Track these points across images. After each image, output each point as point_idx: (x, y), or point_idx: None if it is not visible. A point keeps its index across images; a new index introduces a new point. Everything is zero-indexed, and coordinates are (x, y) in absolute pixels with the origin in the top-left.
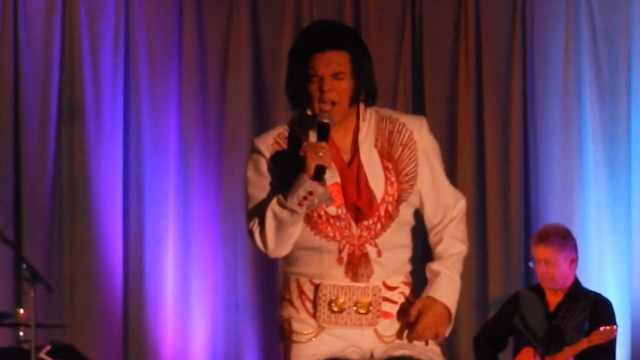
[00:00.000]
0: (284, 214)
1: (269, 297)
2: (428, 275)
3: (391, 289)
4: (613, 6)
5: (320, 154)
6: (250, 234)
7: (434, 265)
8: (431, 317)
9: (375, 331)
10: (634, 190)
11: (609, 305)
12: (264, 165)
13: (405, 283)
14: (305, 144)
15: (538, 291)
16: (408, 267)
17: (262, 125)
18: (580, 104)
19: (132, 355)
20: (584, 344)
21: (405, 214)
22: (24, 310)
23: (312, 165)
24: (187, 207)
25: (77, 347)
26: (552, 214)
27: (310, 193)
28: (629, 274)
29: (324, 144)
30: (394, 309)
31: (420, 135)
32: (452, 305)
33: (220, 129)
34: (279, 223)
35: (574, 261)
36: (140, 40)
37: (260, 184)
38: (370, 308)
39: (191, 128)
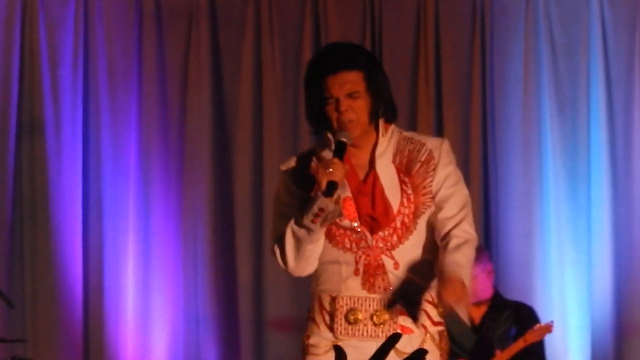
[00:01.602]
0: (301, 232)
1: (229, 311)
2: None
3: (412, 304)
4: (572, 20)
5: (331, 169)
6: (274, 254)
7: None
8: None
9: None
10: (593, 203)
11: (533, 311)
12: (286, 187)
13: (429, 302)
14: (315, 161)
15: None
16: (433, 286)
17: (222, 141)
18: (540, 117)
19: None
20: (519, 344)
21: (424, 228)
22: None
23: (323, 182)
24: (147, 221)
25: None
26: (512, 227)
27: (322, 209)
28: (589, 287)
29: (335, 160)
30: (413, 325)
31: (439, 154)
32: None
33: (181, 143)
34: (297, 241)
35: (491, 272)
36: (100, 55)
37: (282, 207)
38: (386, 320)
39: (151, 143)
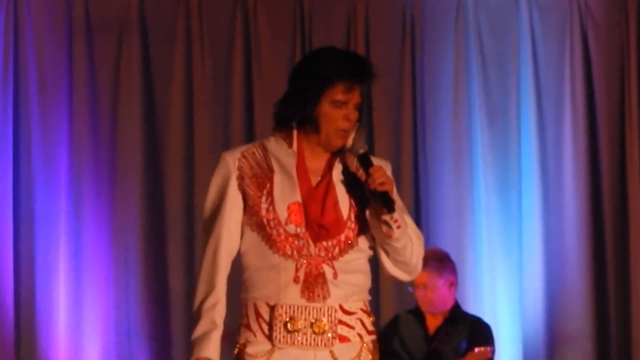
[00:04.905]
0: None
1: (161, 324)
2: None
3: (348, 313)
4: (502, 30)
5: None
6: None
7: None
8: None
9: (332, 354)
10: (524, 213)
11: (488, 328)
12: (226, 179)
13: (364, 311)
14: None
15: (418, 314)
16: (367, 295)
17: (153, 153)
18: (471, 127)
19: None
20: None
21: (364, 245)
22: None
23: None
24: (79, 235)
25: None
26: (443, 238)
27: None
28: (520, 298)
29: (373, 168)
30: (351, 334)
31: None
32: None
33: (112, 157)
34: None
35: (453, 284)
36: (30, 68)
37: (218, 201)
38: (326, 329)
39: (82, 156)
